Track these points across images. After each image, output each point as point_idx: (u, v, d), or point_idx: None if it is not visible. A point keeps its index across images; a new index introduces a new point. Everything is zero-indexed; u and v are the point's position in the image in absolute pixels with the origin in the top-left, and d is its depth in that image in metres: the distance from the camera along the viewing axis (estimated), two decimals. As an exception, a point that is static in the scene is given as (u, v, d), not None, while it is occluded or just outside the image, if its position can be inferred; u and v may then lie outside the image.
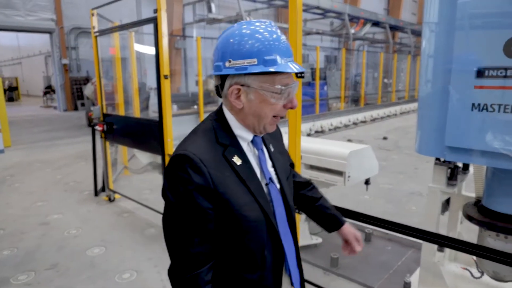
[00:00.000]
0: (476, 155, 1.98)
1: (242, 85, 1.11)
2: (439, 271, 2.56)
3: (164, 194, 1.13)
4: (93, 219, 4.56)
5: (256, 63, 1.07)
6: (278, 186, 1.26)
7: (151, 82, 10.42)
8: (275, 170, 1.28)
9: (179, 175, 1.08)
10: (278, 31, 1.13)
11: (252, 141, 1.23)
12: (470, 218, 2.34)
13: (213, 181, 1.08)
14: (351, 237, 1.53)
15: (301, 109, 2.65)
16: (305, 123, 9.64)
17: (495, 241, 2.24)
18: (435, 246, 2.59)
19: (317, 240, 3.59)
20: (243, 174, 1.14)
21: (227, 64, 1.09)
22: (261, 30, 1.10)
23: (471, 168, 2.68)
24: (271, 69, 1.06)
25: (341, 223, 1.54)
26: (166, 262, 1.13)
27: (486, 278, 2.53)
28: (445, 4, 2.10)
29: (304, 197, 1.55)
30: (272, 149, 1.31)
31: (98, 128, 4.99)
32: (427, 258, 2.60)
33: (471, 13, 1.97)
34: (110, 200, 5.17)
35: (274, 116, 1.17)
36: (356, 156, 3.05)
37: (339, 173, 3.05)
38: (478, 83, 1.98)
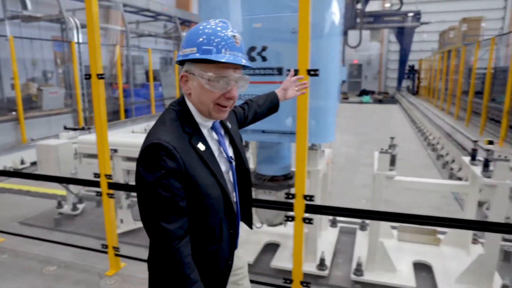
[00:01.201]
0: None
1: (187, 72, 1.29)
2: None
3: (140, 179, 1.24)
4: None
5: (195, 51, 1.23)
6: (233, 156, 1.47)
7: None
8: (235, 142, 1.49)
9: (155, 161, 1.20)
10: (229, 28, 1.27)
11: (212, 127, 1.39)
12: (247, 182, 3.09)
13: (184, 165, 1.22)
14: (289, 84, 1.97)
15: (105, 110, 2.95)
16: (140, 124, 9.80)
17: (263, 196, 3.02)
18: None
19: (140, 224, 3.95)
20: (207, 158, 1.30)
21: (180, 52, 1.27)
22: (213, 25, 1.25)
23: (250, 145, 3.49)
24: (204, 57, 1.21)
25: (278, 99, 1.96)
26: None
27: (265, 227, 3.34)
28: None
29: (257, 113, 1.90)
30: (229, 126, 1.50)
31: None
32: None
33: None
34: None
35: (218, 104, 1.30)
36: (166, 144, 3.55)
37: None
38: (236, 79, 2.68)
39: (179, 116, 1.32)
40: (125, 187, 3.37)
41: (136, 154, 3.56)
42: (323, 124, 2.65)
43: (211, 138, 1.39)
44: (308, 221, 2.45)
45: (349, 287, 2.92)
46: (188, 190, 1.25)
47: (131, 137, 4.04)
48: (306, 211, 2.43)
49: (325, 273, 2.98)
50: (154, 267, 1.31)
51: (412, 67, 23.95)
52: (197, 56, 1.23)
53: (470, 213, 3.11)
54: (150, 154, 1.21)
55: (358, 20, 20.50)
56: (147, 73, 13.73)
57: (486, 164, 2.64)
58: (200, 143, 1.31)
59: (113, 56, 12.08)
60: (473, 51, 11.01)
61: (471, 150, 3.01)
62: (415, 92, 23.79)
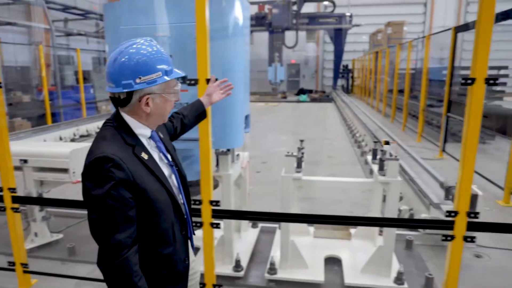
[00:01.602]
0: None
1: (149, 94, 1.38)
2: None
3: (88, 194, 1.30)
4: None
5: (161, 75, 1.37)
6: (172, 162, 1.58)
7: None
8: (169, 151, 1.60)
9: (104, 174, 1.28)
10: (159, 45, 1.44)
11: (150, 137, 1.50)
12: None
13: (132, 174, 1.32)
14: (213, 89, 2.06)
15: (5, 120, 2.80)
16: (69, 129, 9.31)
17: (178, 202, 3.03)
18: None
19: (57, 236, 3.80)
20: (151, 166, 1.42)
21: (137, 80, 1.34)
22: (155, 48, 1.39)
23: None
24: (172, 78, 1.40)
25: (204, 106, 2.04)
26: None
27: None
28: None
29: (184, 123, 1.97)
30: (162, 136, 1.61)
31: None
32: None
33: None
34: None
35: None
36: (79, 153, 3.43)
37: (64, 171, 3.37)
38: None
39: (119, 130, 1.41)
40: (32, 200, 3.21)
41: (49, 164, 3.43)
42: (230, 129, 2.72)
43: (151, 146, 1.51)
44: (216, 225, 2.51)
45: (264, 285, 3.04)
46: (137, 198, 1.35)
47: (43, 146, 3.85)
48: (213, 216, 2.49)
49: (240, 274, 3.07)
50: (104, 274, 1.35)
51: (346, 67, 25.11)
52: (166, 78, 1.39)
53: (375, 208, 3.37)
54: (97, 168, 1.29)
55: (294, 21, 21.12)
56: (77, 74, 13.06)
57: (381, 163, 2.88)
58: (143, 152, 1.42)
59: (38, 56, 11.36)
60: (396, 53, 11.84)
61: (372, 149, 3.26)
62: (349, 90, 24.96)
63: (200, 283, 2.67)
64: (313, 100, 21.16)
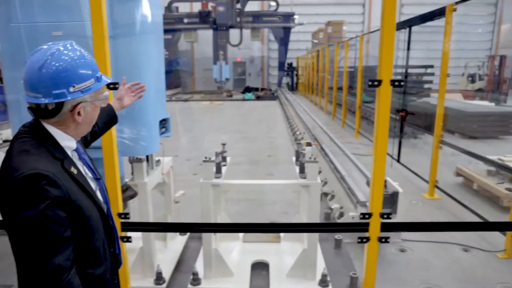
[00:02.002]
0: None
1: (82, 102, 1.27)
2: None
3: (15, 216, 1.15)
4: None
5: (94, 82, 1.28)
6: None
7: None
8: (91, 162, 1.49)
9: (37, 193, 1.13)
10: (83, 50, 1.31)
11: (75, 149, 1.38)
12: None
13: (67, 191, 1.20)
14: (124, 92, 1.89)
15: None
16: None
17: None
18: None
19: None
20: (81, 181, 1.30)
21: (71, 89, 1.22)
22: (78, 53, 1.26)
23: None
24: (104, 84, 1.32)
25: (114, 111, 1.86)
26: None
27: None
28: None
29: (94, 131, 1.73)
30: (81, 149, 1.46)
31: None
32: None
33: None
34: None
35: None
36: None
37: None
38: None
39: (42, 143, 1.26)
40: None
41: None
42: (142, 135, 2.54)
43: (76, 159, 1.39)
44: (126, 239, 2.33)
45: (187, 298, 2.90)
46: (72, 216, 1.24)
47: None
48: (123, 230, 2.31)
49: (162, 286, 2.90)
50: None
51: (290, 65, 25.48)
52: (100, 85, 1.31)
53: (303, 209, 3.34)
54: (28, 187, 1.14)
55: (238, 19, 21.06)
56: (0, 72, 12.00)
57: (301, 165, 2.85)
58: (72, 166, 1.31)
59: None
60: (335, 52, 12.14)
61: (295, 152, 3.24)
62: (294, 88, 25.37)
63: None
64: (258, 98, 21.23)
